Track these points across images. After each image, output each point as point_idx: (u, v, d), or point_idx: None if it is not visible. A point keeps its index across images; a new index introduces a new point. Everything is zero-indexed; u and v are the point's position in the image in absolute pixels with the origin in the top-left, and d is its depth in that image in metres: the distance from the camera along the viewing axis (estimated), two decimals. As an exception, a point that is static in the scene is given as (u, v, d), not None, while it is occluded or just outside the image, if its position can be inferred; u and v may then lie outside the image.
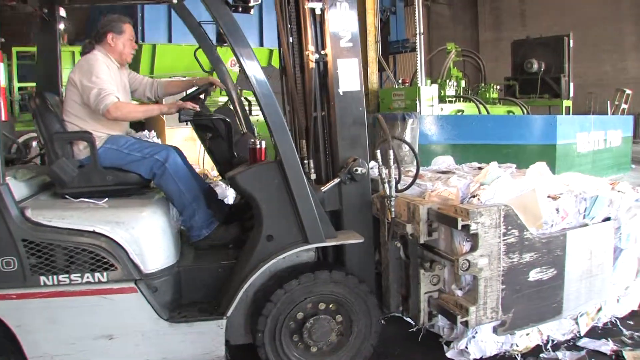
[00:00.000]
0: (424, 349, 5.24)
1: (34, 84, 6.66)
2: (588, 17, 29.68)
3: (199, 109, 4.94)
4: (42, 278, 4.19)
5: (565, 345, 5.24)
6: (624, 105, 20.77)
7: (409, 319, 5.33)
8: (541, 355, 5.08)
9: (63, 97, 5.12)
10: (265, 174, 4.51)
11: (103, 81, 4.75)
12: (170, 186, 4.84)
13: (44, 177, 4.98)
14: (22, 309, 4.18)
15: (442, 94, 16.08)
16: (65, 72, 5.00)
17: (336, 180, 4.77)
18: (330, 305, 4.59)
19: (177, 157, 4.90)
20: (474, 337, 4.94)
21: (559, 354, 5.07)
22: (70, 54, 13.45)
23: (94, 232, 4.28)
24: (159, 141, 11.23)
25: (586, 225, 4.97)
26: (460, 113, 15.34)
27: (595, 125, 14.27)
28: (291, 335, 4.58)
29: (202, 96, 5.49)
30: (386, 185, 4.68)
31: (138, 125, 13.00)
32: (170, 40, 16.47)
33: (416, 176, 4.92)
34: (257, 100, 4.45)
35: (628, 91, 20.83)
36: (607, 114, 20.31)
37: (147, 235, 4.42)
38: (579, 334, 5.34)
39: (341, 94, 4.78)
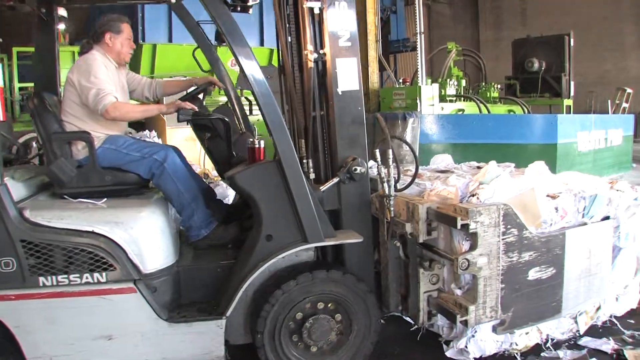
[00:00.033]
0: (423, 348, 5.24)
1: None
2: (588, 16, 29.69)
3: (197, 109, 4.94)
4: (41, 279, 4.18)
5: (566, 344, 5.23)
6: (624, 104, 20.78)
7: (408, 318, 5.32)
8: (542, 354, 5.08)
9: (61, 97, 5.12)
10: (264, 174, 4.51)
11: (101, 81, 4.74)
12: (169, 186, 4.84)
13: (43, 177, 4.98)
14: (21, 310, 4.17)
15: (443, 93, 16.10)
16: (65, 72, 4.98)
17: (335, 180, 4.76)
18: (329, 305, 4.58)
19: (176, 157, 4.89)
20: (473, 336, 4.93)
21: (560, 353, 5.07)
22: (71, 54, 13.49)
23: (92, 232, 4.27)
24: (159, 141, 11.28)
25: (585, 224, 4.97)
26: (460, 112, 15.35)
27: (596, 124, 14.26)
28: (291, 335, 4.57)
29: (200, 96, 5.48)
30: (385, 185, 4.68)
31: (138, 125, 13.07)
32: (170, 40, 16.48)
33: (415, 175, 4.91)
34: (255, 99, 4.45)
35: (629, 90, 20.84)
36: (608, 113, 20.31)
37: (146, 235, 4.41)
38: (579, 333, 5.34)
39: (340, 93, 4.77)
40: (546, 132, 12.42)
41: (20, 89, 14.66)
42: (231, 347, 4.71)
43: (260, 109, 4.44)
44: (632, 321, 5.70)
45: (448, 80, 17.18)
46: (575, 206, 4.92)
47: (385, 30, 24.35)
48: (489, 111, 15.59)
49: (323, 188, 4.74)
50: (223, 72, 5.69)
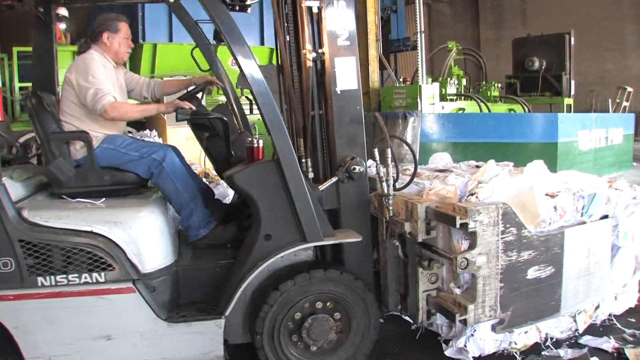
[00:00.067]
0: (422, 348, 5.24)
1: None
2: (588, 16, 29.66)
3: (195, 108, 4.93)
4: (40, 279, 4.17)
5: (567, 342, 5.23)
6: (625, 103, 20.80)
7: (407, 318, 5.34)
8: (543, 353, 5.07)
9: (59, 96, 5.11)
10: (263, 173, 4.51)
11: (99, 81, 4.74)
12: (167, 185, 4.84)
13: (41, 177, 4.98)
14: (19, 310, 4.16)
15: (443, 92, 16.10)
16: (64, 72, 4.98)
17: (334, 179, 4.76)
18: (328, 304, 4.57)
19: (175, 157, 4.89)
20: (472, 335, 4.93)
21: (561, 352, 5.06)
22: (72, 54, 13.50)
23: (91, 232, 4.27)
24: (160, 140, 11.29)
25: (584, 223, 4.97)
26: (461, 111, 15.34)
27: (597, 123, 14.25)
28: (290, 335, 4.57)
29: (200, 95, 5.48)
30: (384, 184, 4.67)
31: (139, 125, 13.08)
32: (171, 40, 16.46)
33: (414, 174, 4.90)
34: (254, 99, 4.44)
35: (629, 89, 20.85)
36: (609, 112, 20.31)
37: (145, 235, 4.41)
38: (578, 332, 5.34)
39: (339, 92, 4.76)
40: (547, 131, 12.41)
41: (21, 88, 14.65)
42: (230, 346, 4.70)
43: (258, 109, 4.44)
44: (633, 319, 5.70)
45: (448, 79, 17.18)
46: (574, 205, 4.91)
47: (386, 30, 24.34)
48: (489, 110, 15.57)
49: (322, 187, 4.73)
50: (221, 72, 5.69)
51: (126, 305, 4.32)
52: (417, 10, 14.72)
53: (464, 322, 4.48)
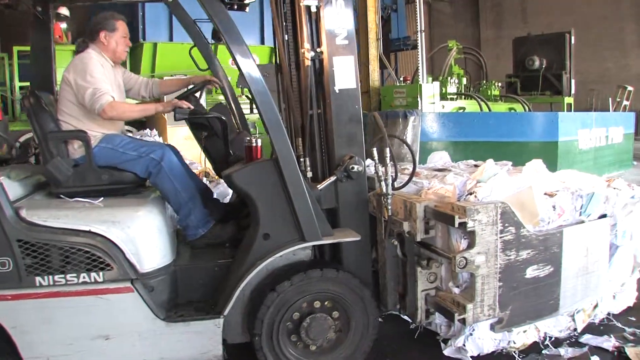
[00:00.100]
0: (421, 347, 5.23)
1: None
2: (588, 16, 29.66)
3: (193, 108, 4.93)
4: (38, 278, 4.17)
5: (567, 341, 5.23)
6: (625, 102, 20.82)
7: (406, 317, 5.34)
8: (544, 351, 5.08)
9: (57, 95, 5.10)
10: (261, 172, 4.50)
11: (98, 80, 4.73)
12: (166, 185, 4.83)
13: (39, 176, 4.97)
14: (17, 310, 4.16)
15: (444, 91, 16.13)
16: (62, 71, 4.98)
17: (332, 178, 4.75)
18: (326, 303, 4.57)
19: (173, 156, 4.88)
20: (471, 334, 4.93)
21: (561, 351, 5.07)
22: (72, 53, 13.40)
23: (89, 231, 4.26)
24: (160, 140, 11.28)
25: (582, 222, 4.96)
26: (461, 110, 15.36)
27: (597, 122, 14.28)
28: (289, 335, 4.56)
29: (198, 95, 5.47)
30: (383, 183, 4.66)
31: (139, 124, 13.07)
32: (171, 39, 16.47)
33: (413, 174, 4.91)
34: (252, 98, 4.43)
35: (630, 88, 20.87)
36: (609, 111, 20.32)
37: (143, 235, 4.41)
38: (576, 331, 5.33)
39: (337, 91, 4.76)
40: (547, 130, 12.44)
41: (21, 88, 14.63)
42: (229, 346, 4.69)
43: (257, 108, 4.44)
44: (633, 318, 5.70)
45: (449, 78, 17.20)
46: (573, 204, 4.91)
47: (386, 29, 24.34)
48: (489, 109, 15.60)
49: (320, 187, 4.73)
50: (220, 71, 5.69)
51: (124, 305, 4.31)
52: (418, 10, 14.72)
53: (463, 322, 4.47)
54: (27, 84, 14.08)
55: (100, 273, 4.26)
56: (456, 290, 4.66)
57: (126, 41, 5.20)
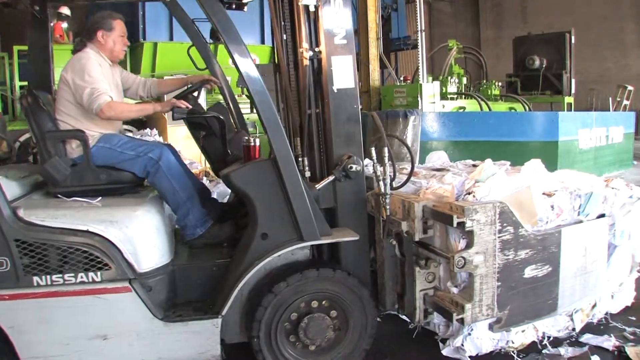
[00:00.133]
0: (419, 347, 5.23)
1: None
2: (588, 15, 29.69)
3: (191, 107, 4.92)
4: (35, 278, 4.16)
5: (568, 341, 5.23)
6: (625, 102, 20.82)
7: (404, 317, 5.34)
8: (544, 351, 5.08)
9: (55, 95, 5.09)
10: (260, 172, 4.49)
11: (95, 80, 4.72)
12: (164, 184, 4.82)
13: (37, 176, 4.96)
14: (15, 310, 4.15)
15: (444, 91, 16.13)
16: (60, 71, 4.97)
17: (331, 178, 4.75)
18: (323, 302, 4.56)
19: (171, 155, 4.87)
20: (469, 334, 4.92)
21: (562, 350, 5.07)
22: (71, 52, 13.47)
23: (87, 231, 4.25)
24: (160, 139, 11.28)
25: (581, 222, 4.96)
26: (462, 110, 15.35)
27: (597, 122, 14.29)
28: (287, 336, 4.56)
29: (196, 94, 5.46)
30: (381, 183, 4.66)
31: (139, 124, 13.08)
32: (171, 39, 16.48)
33: (411, 173, 4.90)
34: (250, 97, 4.44)
35: (630, 87, 20.87)
36: (609, 111, 20.32)
37: (141, 234, 4.40)
38: (575, 331, 5.33)
39: (335, 91, 4.75)
40: (547, 130, 12.46)
41: (21, 87, 14.64)
42: (227, 345, 4.68)
43: (255, 107, 4.43)
44: (634, 318, 5.71)
45: (449, 78, 17.21)
46: (571, 204, 4.91)
47: (386, 28, 24.29)
48: (490, 109, 15.59)
49: (319, 186, 4.72)
50: (218, 70, 5.69)
51: (122, 304, 4.30)
52: (418, 9, 14.71)
53: (461, 321, 4.48)
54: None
55: (98, 273, 4.24)
56: (454, 290, 4.66)
57: (124, 40, 5.17)
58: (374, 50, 14.38)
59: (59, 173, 4.58)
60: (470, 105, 15.81)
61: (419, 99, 13.69)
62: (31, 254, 4.15)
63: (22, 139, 12.16)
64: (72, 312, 4.23)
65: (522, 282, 4.61)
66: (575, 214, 4.95)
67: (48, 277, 4.17)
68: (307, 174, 4.84)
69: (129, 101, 5.73)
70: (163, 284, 4.50)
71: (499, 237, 4.41)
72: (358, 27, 14.43)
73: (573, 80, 20.12)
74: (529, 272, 4.62)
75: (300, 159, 4.80)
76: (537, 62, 20.09)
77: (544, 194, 4.84)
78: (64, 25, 15.43)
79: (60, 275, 4.19)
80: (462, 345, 4.94)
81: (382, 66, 16.46)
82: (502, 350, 5.02)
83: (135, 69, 15.80)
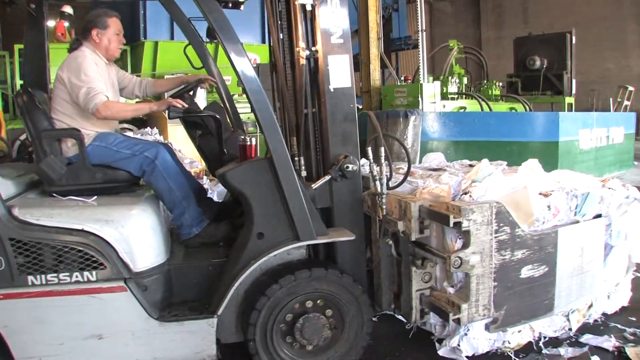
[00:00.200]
0: (416, 347, 5.21)
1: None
2: (589, 16, 29.68)
3: (187, 106, 4.91)
4: (30, 277, 4.14)
5: (568, 341, 5.23)
6: (626, 102, 20.80)
7: (400, 317, 5.32)
8: (543, 351, 5.07)
9: (51, 94, 5.08)
10: (256, 171, 4.49)
11: (92, 79, 4.71)
12: (160, 184, 4.81)
13: (32, 175, 4.95)
14: (9, 310, 4.13)
15: (445, 91, 16.10)
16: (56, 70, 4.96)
17: (327, 178, 4.74)
18: (318, 302, 4.55)
19: (167, 155, 4.86)
20: (466, 334, 4.91)
21: (561, 350, 5.07)
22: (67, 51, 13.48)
23: (82, 230, 4.24)
24: (161, 138, 11.27)
25: (577, 222, 4.96)
26: (462, 110, 15.33)
27: (598, 122, 14.25)
28: (284, 337, 4.56)
29: (192, 93, 5.45)
30: (377, 183, 4.66)
31: (140, 123, 13.08)
32: (172, 38, 16.44)
33: (407, 173, 4.90)
34: (247, 96, 4.42)
35: (630, 88, 20.84)
36: (610, 111, 20.31)
37: (137, 234, 4.39)
38: (571, 331, 5.33)
39: (332, 90, 4.75)
40: (548, 130, 12.42)
41: (22, 86, 14.66)
42: (222, 345, 4.68)
43: (251, 106, 4.41)
44: (634, 318, 5.71)
45: (450, 78, 17.18)
46: (568, 204, 4.91)
47: (387, 28, 24.24)
48: (490, 109, 15.57)
49: (315, 186, 4.71)
50: (214, 69, 5.68)
51: (118, 304, 4.29)
52: (419, 9, 14.67)
53: (458, 321, 4.48)
54: (27, 82, 14.12)
55: (94, 272, 4.23)
56: (451, 290, 4.66)
57: (119, 38, 5.15)
58: (375, 50, 14.35)
59: (54, 172, 4.57)
60: (471, 105, 15.79)
61: (420, 99, 13.66)
62: (26, 253, 4.14)
63: (22, 137, 12.16)
64: (67, 311, 4.22)
65: (519, 282, 4.61)
66: (572, 214, 4.95)
67: (43, 276, 4.16)
68: (304, 173, 4.83)
69: (129, 101, 5.73)
70: (158, 283, 4.49)
71: (495, 237, 4.41)
72: (359, 27, 14.42)
73: (574, 81, 20.09)
74: (526, 272, 4.61)
75: (296, 159, 4.80)
76: (538, 63, 20.06)
77: (540, 194, 4.84)
78: (66, 24, 15.44)
79: (55, 275, 4.18)
80: (459, 345, 4.93)
81: (383, 66, 16.43)
82: (499, 350, 5.02)
83: (136, 68, 15.81)
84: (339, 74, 4.75)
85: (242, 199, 4.56)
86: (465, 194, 4.62)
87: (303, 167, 4.83)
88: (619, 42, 29.93)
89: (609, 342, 5.17)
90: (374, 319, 4.94)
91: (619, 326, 5.53)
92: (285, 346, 4.56)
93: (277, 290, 4.38)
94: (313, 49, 4.79)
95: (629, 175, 14.99)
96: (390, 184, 4.82)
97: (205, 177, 8.55)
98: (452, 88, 16.78)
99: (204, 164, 9.98)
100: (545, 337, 5.20)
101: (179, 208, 4.88)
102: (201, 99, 5.99)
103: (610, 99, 21.01)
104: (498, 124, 12.74)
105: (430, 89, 14.07)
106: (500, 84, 19.67)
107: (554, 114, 14.18)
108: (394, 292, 4.96)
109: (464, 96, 16.72)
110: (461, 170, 5.67)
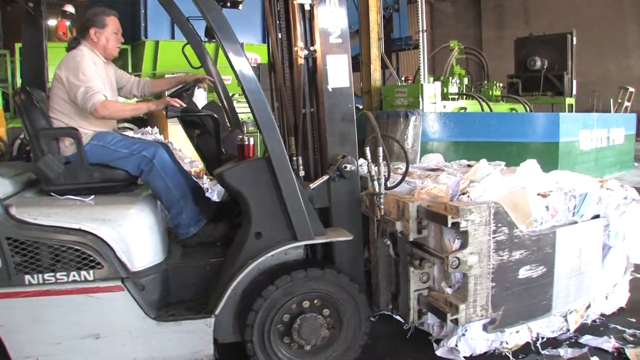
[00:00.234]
0: (413, 347, 5.20)
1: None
2: (590, 16, 29.71)
3: (185, 105, 4.90)
4: (27, 277, 4.14)
5: (567, 342, 5.22)
6: (627, 103, 20.83)
7: (398, 317, 5.33)
8: (543, 352, 5.07)
9: (49, 92, 5.08)
10: (254, 171, 4.47)
11: (90, 79, 4.70)
12: (157, 183, 4.80)
13: (30, 174, 4.95)
14: (6, 309, 4.13)
15: (445, 91, 16.11)
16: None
17: (325, 177, 4.72)
18: (315, 302, 4.54)
19: (165, 154, 4.85)
20: (463, 334, 4.91)
21: (561, 351, 5.06)
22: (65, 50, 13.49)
23: (80, 229, 4.23)
24: (161, 137, 11.27)
25: (575, 222, 4.96)
26: (462, 110, 15.32)
27: (598, 123, 14.27)
28: (282, 337, 4.54)
29: (190, 92, 5.44)
30: (375, 183, 4.65)
31: (140, 122, 13.08)
32: (173, 37, 16.44)
33: (405, 173, 4.89)
34: (245, 96, 4.41)
35: (631, 89, 20.86)
36: (610, 112, 20.31)
37: (134, 233, 4.38)
38: (569, 331, 5.32)
39: (330, 90, 4.73)
40: (548, 131, 12.44)
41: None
42: (220, 345, 4.67)
43: (250, 106, 4.40)
44: (633, 319, 5.69)
45: (450, 78, 17.19)
46: (566, 205, 4.91)
47: (388, 29, 24.25)
48: (491, 109, 15.58)
49: (313, 186, 4.70)
50: (212, 69, 5.67)
51: (115, 303, 4.28)
52: (420, 10, 14.69)
53: (455, 322, 4.47)
54: (28, 81, 14.13)
55: (91, 271, 4.23)
56: (449, 291, 4.66)
57: (118, 37, 5.13)
58: (376, 51, 14.34)
59: (52, 171, 4.56)
60: (471, 105, 15.79)
61: (420, 99, 13.65)
62: (23, 252, 4.13)
63: (22, 136, 12.17)
64: (64, 311, 4.21)
65: (517, 282, 4.60)
66: (570, 214, 4.95)
67: (40, 275, 4.15)
68: (302, 173, 4.82)
69: (128, 101, 5.72)
70: (156, 283, 4.49)
71: (493, 237, 4.40)
72: (360, 27, 14.43)
73: (574, 82, 20.11)
74: (524, 272, 4.61)
75: (294, 158, 4.80)
76: (539, 63, 20.09)
77: (538, 194, 4.84)
78: (68, 23, 15.44)
79: (53, 274, 4.17)
80: (456, 345, 4.93)
81: (384, 66, 16.42)
82: (496, 350, 5.01)
83: (137, 68, 15.81)
84: (338, 73, 4.74)
85: (240, 199, 4.54)
86: (464, 194, 4.62)
87: (301, 167, 4.83)
88: (619, 42, 29.96)
89: (609, 343, 5.16)
90: (372, 319, 4.92)
91: (619, 327, 5.52)
92: (283, 346, 4.55)
93: (274, 291, 4.37)
94: (311, 48, 4.78)
95: (629, 177, 15.00)
96: (389, 184, 4.81)
97: (205, 177, 8.54)
98: (453, 88, 16.79)
99: (203, 164, 10.02)
100: (543, 338, 5.20)
101: (176, 207, 4.87)
102: (202, 98, 6.00)
103: (611, 100, 21.01)
104: (498, 124, 12.76)
105: (431, 89, 14.06)
106: (501, 84, 19.70)
107: (555, 114, 14.22)
108: (391, 292, 4.96)
109: (464, 97, 16.73)
110: (459, 170, 5.66)
